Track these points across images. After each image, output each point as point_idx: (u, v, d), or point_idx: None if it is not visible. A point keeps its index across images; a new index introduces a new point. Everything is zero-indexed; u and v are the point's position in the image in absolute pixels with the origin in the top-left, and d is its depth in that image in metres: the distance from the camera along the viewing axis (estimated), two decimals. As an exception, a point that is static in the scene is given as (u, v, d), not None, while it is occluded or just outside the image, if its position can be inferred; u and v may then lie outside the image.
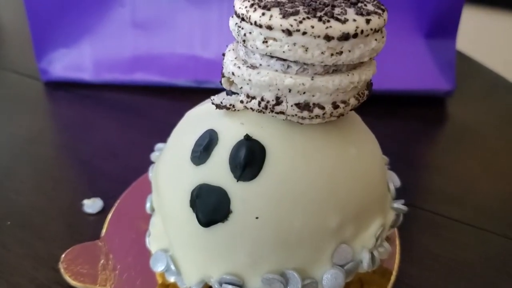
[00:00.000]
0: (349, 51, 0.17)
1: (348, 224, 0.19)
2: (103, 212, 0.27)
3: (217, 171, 0.18)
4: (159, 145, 0.25)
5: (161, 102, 0.40)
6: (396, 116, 0.38)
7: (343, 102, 0.18)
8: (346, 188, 0.19)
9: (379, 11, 0.18)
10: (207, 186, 0.18)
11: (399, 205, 0.22)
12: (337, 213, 0.18)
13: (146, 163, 0.30)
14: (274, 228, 0.18)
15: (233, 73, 0.18)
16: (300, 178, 0.18)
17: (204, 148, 0.19)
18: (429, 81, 0.38)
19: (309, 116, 0.18)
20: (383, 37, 0.18)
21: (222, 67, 0.21)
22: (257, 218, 0.18)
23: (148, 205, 0.23)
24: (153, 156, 0.25)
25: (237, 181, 0.18)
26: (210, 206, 0.18)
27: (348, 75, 0.18)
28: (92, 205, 0.27)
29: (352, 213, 0.19)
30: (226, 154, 0.18)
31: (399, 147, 0.35)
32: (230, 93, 0.20)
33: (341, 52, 0.17)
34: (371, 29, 0.17)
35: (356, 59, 0.17)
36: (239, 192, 0.18)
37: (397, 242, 0.25)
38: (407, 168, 0.32)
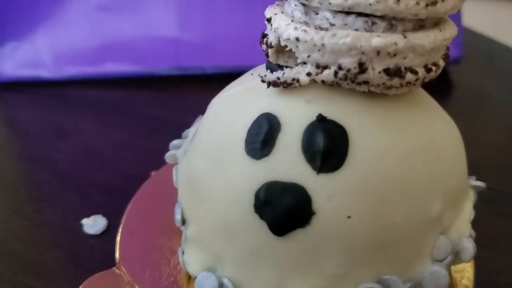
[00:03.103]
0: (442, 0, 0.15)
1: (448, 210, 0.16)
2: (109, 232, 0.23)
3: (288, 163, 0.15)
4: (174, 143, 0.22)
5: (140, 95, 0.35)
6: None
7: (434, 64, 0.15)
8: (442, 167, 0.16)
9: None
10: (278, 183, 0.15)
11: (476, 182, 0.19)
12: (439, 198, 0.16)
13: (142, 167, 0.27)
14: (371, 227, 0.15)
15: (297, 39, 0.15)
16: (395, 162, 0.15)
17: (264, 137, 0.16)
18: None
19: (400, 84, 0.15)
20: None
21: (265, 37, 0.17)
22: (349, 217, 0.15)
23: (178, 217, 0.19)
24: (170, 156, 0.21)
25: (318, 173, 0.15)
26: (284, 209, 0.15)
27: (440, 30, 0.15)
28: (93, 224, 0.23)
29: (451, 196, 0.16)
30: (297, 142, 0.15)
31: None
32: (275, 68, 0.17)
33: (435, 2, 0.14)
34: (464, -27, 0.15)
35: (449, 10, 0.15)
36: (322, 188, 0.15)
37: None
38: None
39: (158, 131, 0.32)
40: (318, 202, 0.15)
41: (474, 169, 0.29)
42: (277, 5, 0.17)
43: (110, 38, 0.35)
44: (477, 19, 0.50)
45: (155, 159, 0.25)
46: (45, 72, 0.35)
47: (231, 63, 0.35)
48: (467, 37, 0.44)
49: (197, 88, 0.35)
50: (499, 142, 0.31)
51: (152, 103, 0.34)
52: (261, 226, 0.16)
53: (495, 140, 0.31)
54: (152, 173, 0.26)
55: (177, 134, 0.22)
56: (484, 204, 0.25)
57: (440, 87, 0.38)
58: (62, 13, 0.34)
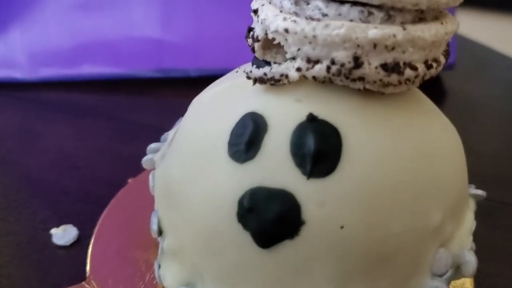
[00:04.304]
0: (445, -11, 0.14)
1: (448, 219, 0.15)
2: (79, 243, 0.22)
3: (275, 168, 0.14)
4: (152, 146, 0.20)
5: (119, 98, 0.34)
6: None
7: (435, 60, 0.14)
8: (442, 172, 0.15)
9: None
10: (264, 189, 0.14)
11: (476, 190, 0.18)
12: (439, 206, 0.15)
13: (119, 174, 0.25)
14: (366, 238, 0.14)
15: (286, 31, 0.14)
16: (392, 166, 0.14)
17: (249, 138, 0.14)
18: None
19: (398, 81, 0.14)
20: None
21: (251, 31, 0.16)
22: (342, 227, 0.14)
23: (154, 227, 0.18)
24: (147, 161, 0.20)
25: (308, 178, 0.14)
26: (271, 218, 0.14)
27: (442, 23, 0.14)
28: (63, 235, 0.22)
29: (452, 204, 0.15)
30: (285, 144, 0.14)
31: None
32: (262, 64, 0.16)
33: (437, -9, 0.13)
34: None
35: (452, 1, 0.14)
36: (312, 194, 0.14)
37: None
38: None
39: (138, 136, 0.30)
40: (308, 210, 0.14)
41: (470, 179, 0.28)
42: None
43: (88, 38, 0.34)
44: (470, 29, 0.50)
45: (134, 166, 0.24)
46: (19, 73, 0.34)
47: (216, 66, 0.34)
48: (460, 43, 0.44)
49: (180, 91, 0.34)
50: (494, 150, 0.30)
51: (132, 107, 0.33)
52: (245, 237, 0.14)
53: (489, 148, 0.30)
54: (129, 180, 0.25)
55: (158, 140, 0.20)
56: (482, 216, 0.24)
57: (433, 94, 0.37)
58: (37, 10, 0.33)
